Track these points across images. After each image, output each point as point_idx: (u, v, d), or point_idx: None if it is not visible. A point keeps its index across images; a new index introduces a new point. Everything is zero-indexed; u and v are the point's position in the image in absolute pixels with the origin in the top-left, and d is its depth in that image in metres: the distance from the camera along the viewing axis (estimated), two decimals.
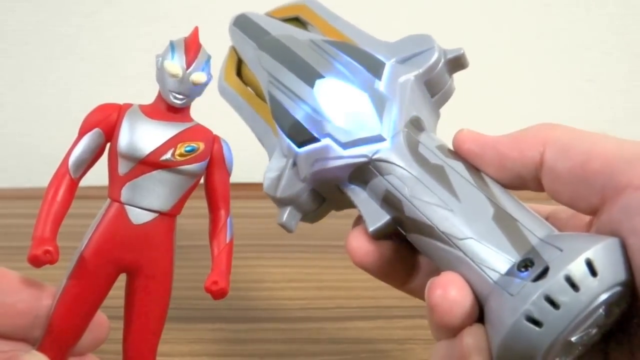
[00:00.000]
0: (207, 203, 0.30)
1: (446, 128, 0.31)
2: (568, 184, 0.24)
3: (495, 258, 0.24)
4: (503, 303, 0.23)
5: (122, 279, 0.29)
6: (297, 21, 0.35)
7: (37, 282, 0.28)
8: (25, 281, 0.28)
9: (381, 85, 0.29)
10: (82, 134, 0.28)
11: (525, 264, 0.23)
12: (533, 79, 0.67)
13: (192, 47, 0.28)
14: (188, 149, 0.28)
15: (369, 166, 0.28)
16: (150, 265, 0.29)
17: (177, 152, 0.28)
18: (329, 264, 0.48)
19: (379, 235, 0.28)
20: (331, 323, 0.41)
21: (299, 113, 0.30)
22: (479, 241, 0.25)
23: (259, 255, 0.49)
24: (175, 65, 0.28)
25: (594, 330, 0.23)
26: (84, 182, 0.29)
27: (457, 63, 0.30)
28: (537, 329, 0.22)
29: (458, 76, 0.32)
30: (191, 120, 0.29)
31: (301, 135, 0.29)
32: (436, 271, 0.26)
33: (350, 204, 0.29)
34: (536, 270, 0.23)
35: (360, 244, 0.28)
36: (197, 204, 0.30)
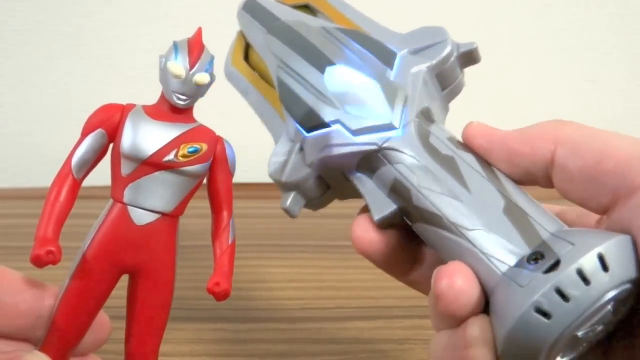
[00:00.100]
0: (210, 204, 0.30)
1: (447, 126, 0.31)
2: (579, 182, 0.24)
3: (505, 250, 0.24)
4: (511, 294, 0.23)
5: (124, 279, 0.29)
6: (306, 9, 0.35)
7: (39, 282, 0.28)
8: (27, 281, 0.28)
9: (393, 74, 0.29)
10: (85, 134, 0.28)
11: (535, 257, 0.23)
12: (533, 79, 0.67)
13: (195, 47, 0.28)
14: (191, 149, 0.28)
15: (378, 154, 0.28)
16: (153, 266, 0.29)
17: (180, 153, 0.28)
18: (329, 264, 0.48)
19: (384, 225, 0.28)
20: (331, 323, 0.41)
21: (309, 98, 0.29)
22: (488, 232, 0.24)
23: (259, 255, 0.49)
24: (178, 66, 0.27)
25: (600, 327, 0.23)
26: (87, 182, 0.29)
27: (469, 57, 0.30)
28: (545, 320, 0.22)
29: None
30: (194, 121, 0.29)
31: (310, 121, 0.29)
32: (439, 263, 0.26)
33: (354, 194, 0.29)
34: (547, 262, 0.22)
35: (365, 233, 0.28)
36: (198, 204, 0.30)
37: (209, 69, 0.28)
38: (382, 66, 0.29)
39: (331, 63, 0.30)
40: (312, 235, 0.52)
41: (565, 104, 0.69)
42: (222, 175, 0.30)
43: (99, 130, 0.28)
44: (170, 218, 0.29)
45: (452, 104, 0.32)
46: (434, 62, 0.29)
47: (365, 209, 0.29)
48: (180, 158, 0.28)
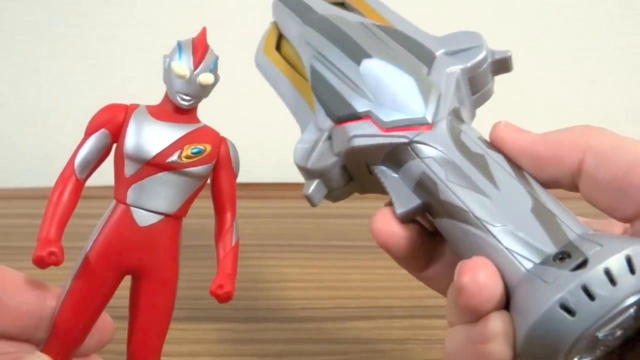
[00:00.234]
0: (214, 205, 0.30)
1: None
2: (606, 192, 0.24)
3: (530, 248, 0.24)
4: (536, 290, 0.23)
5: (127, 279, 0.29)
6: (342, 6, 0.35)
7: (41, 282, 0.28)
8: (29, 282, 0.28)
9: (428, 72, 0.29)
10: (88, 134, 0.28)
11: (561, 256, 0.23)
12: (533, 79, 0.67)
13: (199, 47, 0.28)
14: (195, 150, 0.28)
15: (407, 148, 0.28)
16: (156, 267, 0.29)
17: (184, 154, 0.28)
18: (329, 264, 0.48)
19: (406, 219, 0.28)
20: (331, 323, 0.41)
21: (342, 88, 0.30)
22: (515, 230, 0.24)
23: (260, 255, 0.49)
24: (182, 66, 0.27)
25: (620, 332, 0.23)
26: (89, 182, 0.29)
27: (502, 65, 0.31)
28: (570, 317, 0.22)
29: None
30: (198, 121, 0.29)
31: (342, 111, 0.29)
32: (457, 260, 0.26)
33: (376, 188, 0.29)
34: (574, 261, 0.22)
35: (385, 225, 0.28)
36: (199, 204, 0.30)
37: (213, 69, 0.28)
38: (418, 63, 0.30)
39: (368, 56, 0.30)
40: (312, 235, 0.53)
41: (565, 104, 0.69)
42: (225, 177, 0.29)
43: (102, 130, 0.28)
44: (174, 219, 0.29)
45: None
46: (468, 65, 0.30)
47: (388, 204, 0.29)
48: (184, 159, 0.28)
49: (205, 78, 0.28)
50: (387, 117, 0.28)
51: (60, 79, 0.66)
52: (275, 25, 0.36)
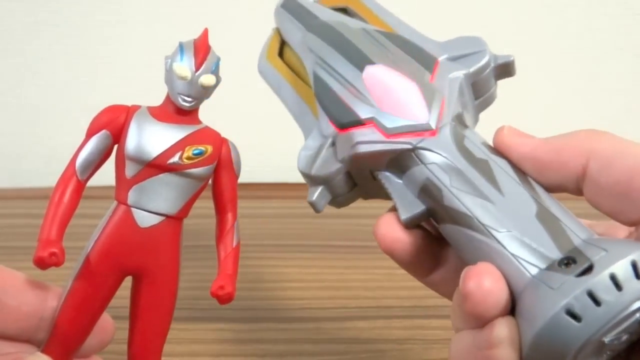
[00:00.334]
0: (215, 206, 0.30)
1: None
2: (610, 197, 0.24)
3: (535, 253, 0.24)
4: (542, 296, 0.23)
5: (128, 279, 0.29)
6: (344, 11, 0.35)
7: (42, 283, 0.28)
8: (30, 282, 0.28)
9: (431, 78, 0.29)
10: (89, 135, 0.28)
11: (567, 262, 0.23)
12: (533, 79, 0.67)
13: (201, 49, 0.28)
14: (196, 152, 0.28)
15: (411, 154, 0.28)
16: (156, 268, 0.29)
17: (185, 155, 0.28)
18: (329, 264, 0.48)
19: (411, 224, 0.28)
20: (331, 323, 0.41)
21: (346, 95, 0.30)
22: (519, 236, 0.24)
23: (260, 255, 0.49)
24: (184, 67, 0.27)
25: (625, 337, 0.23)
26: (90, 182, 0.29)
27: (505, 69, 0.31)
28: (575, 323, 0.22)
29: None
30: (199, 122, 0.29)
31: (345, 117, 0.29)
32: (462, 265, 0.26)
33: (380, 193, 0.29)
34: (579, 267, 0.22)
35: (390, 231, 0.28)
36: (200, 204, 0.30)
37: (215, 71, 0.28)
38: (421, 69, 0.30)
39: (371, 62, 0.30)
40: (312, 235, 0.53)
41: (566, 104, 0.69)
42: (227, 178, 0.30)
43: (103, 131, 0.28)
44: (175, 220, 0.29)
45: None
46: (471, 70, 0.30)
47: (392, 209, 0.29)
48: (185, 160, 0.28)
49: (207, 79, 0.28)
50: (391, 123, 0.28)
51: (60, 79, 0.66)
52: (277, 31, 0.36)
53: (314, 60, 0.32)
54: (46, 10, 0.64)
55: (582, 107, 0.69)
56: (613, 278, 0.22)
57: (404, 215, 0.28)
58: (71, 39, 0.65)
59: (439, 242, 0.29)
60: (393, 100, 0.29)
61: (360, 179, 0.30)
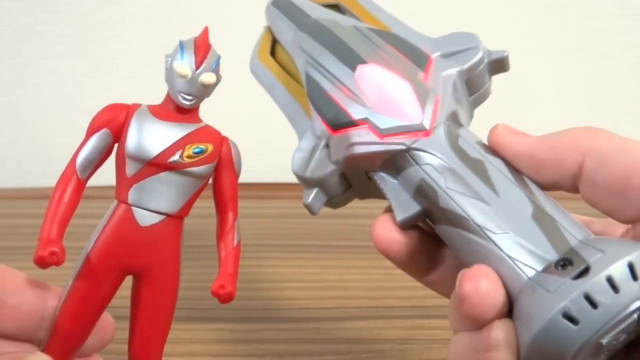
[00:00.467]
0: (215, 205, 0.30)
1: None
2: (607, 195, 0.24)
3: (532, 255, 0.24)
4: (538, 299, 0.22)
5: (128, 279, 0.29)
6: (336, 8, 0.35)
7: (42, 282, 0.28)
8: (30, 282, 0.28)
9: (424, 76, 0.29)
10: (89, 134, 0.28)
11: (563, 263, 0.23)
12: (533, 79, 0.67)
13: (201, 47, 0.28)
14: (196, 150, 0.28)
15: (405, 155, 0.27)
16: (157, 267, 0.29)
17: (186, 153, 0.28)
18: (329, 264, 0.48)
19: (406, 225, 0.28)
20: (331, 323, 0.41)
21: (338, 95, 0.29)
22: (515, 237, 0.24)
23: (260, 255, 0.49)
24: (184, 65, 0.27)
25: (623, 337, 0.23)
26: (90, 182, 0.29)
27: (499, 65, 0.30)
28: (572, 326, 0.22)
29: None
30: (200, 121, 0.29)
31: (338, 118, 0.29)
32: (460, 265, 0.26)
33: (376, 194, 0.29)
34: (576, 269, 0.22)
35: (386, 232, 0.28)
36: (201, 204, 0.30)
37: (215, 69, 0.28)
38: (414, 67, 0.29)
39: (363, 61, 0.30)
40: (312, 235, 0.53)
41: (565, 104, 0.69)
42: (227, 177, 0.29)
43: (104, 130, 0.28)
44: (175, 219, 0.29)
45: None
46: (465, 66, 0.29)
47: (388, 210, 0.29)
48: (186, 159, 0.28)
49: (207, 78, 0.28)
50: (384, 124, 0.28)
51: (60, 79, 0.66)
52: (269, 30, 0.36)
53: (306, 59, 0.31)
54: (46, 10, 0.64)
55: (582, 107, 0.69)
56: (610, 280, 0.22)
57: (400, 216, 0.28)
58: (71, 39, 0.65)
59: (435, 242, 0.29)
60: (386, 100, 0.29)
61: (355, 179, 0.30)
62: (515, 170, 0.27)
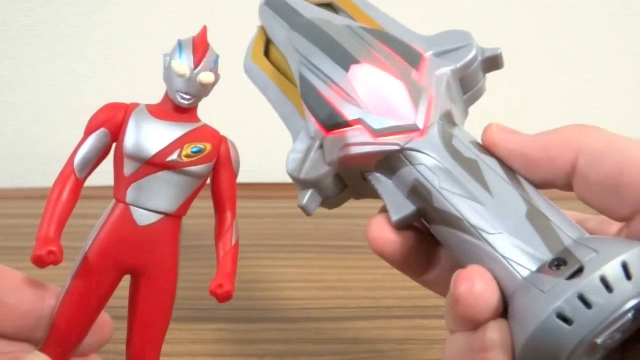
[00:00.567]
0: (213, 204, 0.30)
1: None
2: (600, 193, 0.24)
3: (526, 255, 0.24)
4: (533, 299, 0.22)
5: (126, 279, 0.29)
6: (329, 7, 0.35)
7: (40, 282, 0.28)
8: (28, 281, 0.28)
9: (417, 75, 0.29)
10: (87, 133, 0.28)
11: (557, 263, 0.23)
12: (533, 79, 0.67)
13: (200, 46, 0.28)
14: (194, 149, 0.28)
15: (399, 155, 0.27)
16: (155, 267, 0.29)
17: (184, 152, 0.28)
18: (329, 264, 0.48)
19: (401, 225, 0.28)
20: (331, 323, 0.41)
21: (331, 96, 0.29)
22: (509, 237, 0.24)
23: (260, 255, 0.49)
24: (182, 64, 0.27)
25: (619, 335, 0.23)
26: (89, 182, 0.29)
27: (492, 62, 0.30)
28: (567, 326, 0.22)
29: None
30: (198, 120, 0.29)
31: (331, 119, 0.29)
32: (456, 265, 0.26)
33: (371, 193, 0.29)
34: (570, 269, 0.22)
35: (381, 233, 0.28)
36: (199, 204, 0.30)
37: (214, 68, 0.28)
38: (407, 67, 0.29)
39: (356, 61, 0.30)
40: (312, 235, 0.52)
41: (566, 104, 0.69)
42: (225, 176, 0.29)
43: (102, 129, 0.28)
44: (173, 218, 0.29)
45: None
46: (458, 65, 0.29)
47: (383, 209, 0.29)
48: (184, 158, 0.28)
49: (206, 77, 0.28)
50: (378, 124, 0.28)
51: (60, 79, 0.66)
52: (262, 29, 0.36)
53: (299, 60, 0.31)
54: (46, 10, 0.64)
55: (582, 107, 0.69)
56: (603, 280, 0.22)
57: (395, 216, 0.28)
58: (71, 39, 0.65)
59: (431, 242, 0.29)
60: (379, 100, 0.28)
61: (350, 180, 0.30)
62: (509, 169, 0.27)
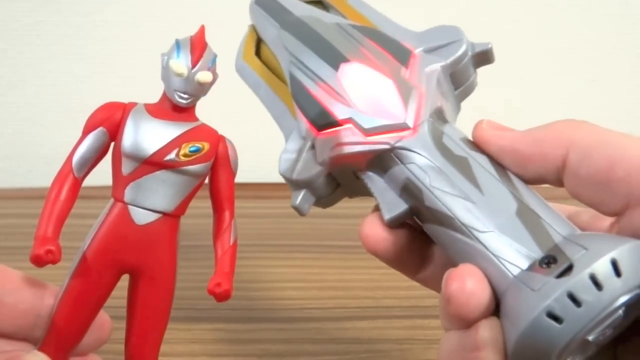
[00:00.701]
0: (212, 204, 0.30)
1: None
2: (591, 187, 0.24)
3: (517, 253, 0.24)
4: (523, 298, 0.23)
5: (125, 279, 0.29)
6: (320, 4, 0.35)
7: (39, 281, 0.28)
8: (27, 280, 0.28)
9: (407, 73, 0.29)
10: (86, 132, 0.28)
11: (547, 261, 0.23)
12: (533, 79, 0.67)
13: (198, 45, 0.28)
14: (192, 149, 0.28)
15: (390, 154, 0.27)
16: (153, 266, 0.29)
17: (182, 152, 0.28)
18: (329, 264, 0.48)
19: (394, 224, 0.28)
20: (331, 323, 0.41)
21: (321, 95, 0.29)
22: (500, 235, 0.24)
23: (259, 255, 0.49)
24: (180, 64, 0.27)
25: (610, 331, 0.23)
26: (87, 182, 0.29)
27: (483, 57, 0.30)
28: (557, 325, 0.22)
29: None
30: (196, 119, 0.29)
31: (322, 119, 0.29)
32: (450, 262, 0.26)
33: (365, 192, 0.29)
34: (560, 267, 0.22)
35: (374, 231, 0.28)
36: (198, 204, 0.30)
37: (212, 68, 0.28)
38: (396, 64, 0.29)
39: (345, 60, 0.30)
40: (312, 235, 0.52)
41: (565, 104, 0.69)
42: (224, 175, 0.29)
43: (100, 128, 0.28)
44: (171, 218, 0.29)
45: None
46: (448, 61, 0.29)
47: (377, 208, 0.29)
48: (182, 157, 0.28)
49: (203, 76, 0.28)
50: (368, 123, 0.28)
51: (60, 79, 0.66)
52: (253, 28, 0.36)
53: (289, 59, 0.31)
54: (46, 10, 0.64)
55: (582, 107, 0.69)
56: (593, 278, 0.22)
57: (387, 215, 0.28)
58: (71, 39, 0.65)
59: (425, 239, 0.28)
60: (369, 99, 0.28)
61: (343, 179, 0.30)
62: (500, 166, 0.27)
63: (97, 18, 0.65)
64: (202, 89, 0.28)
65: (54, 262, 0.26)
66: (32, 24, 0.64)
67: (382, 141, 0.27)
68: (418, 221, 0.28)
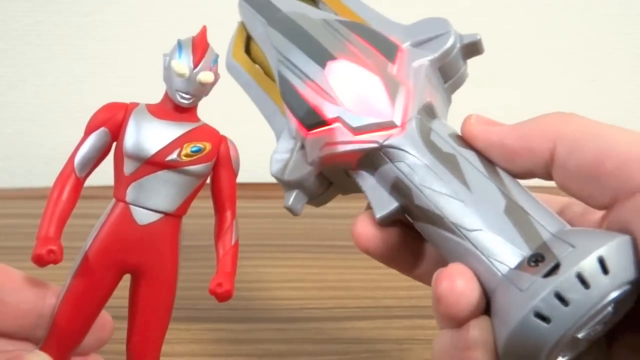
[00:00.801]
0: (213, 204, 0.30)
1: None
2: (579, 181, 0.24)
3: (505, 251, 0.24)
4: (511, 297, 0.23)
5: (126, 279, 0.29)
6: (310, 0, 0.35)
7: (41, 281, 0.28)
8: (29, 280, 0.28)
9: (394, 68, 0.29)
10: (88, 132, 0.28)
11: (535, 259, 0.23)
12: (533, 79, 0.67)
13: (199, 46, 0.28)
14: (194, 149, 0.28)
15: (379, 152, 0.27)
16: (155, 266, 0.29)
17: (183, 152, 0.28)
18: (329, 264, 0.48)
19: (385, 222, 0.28)
20: (331, 323, 0.41)
21: (309, 94, 0.29)
22: (489, 233, 0.24)
23: (259, 255, 0.49)
24: (182, 64, 0.27)
25: (600, 327, 0.23)
26: (89, 182, 0.29)
27: (472, 49, 0.30)
28: (545, 325, 0.22)
29: None
30: (198, 120, 0.29)
31: (311, 118, 0.29)
32: (443, 259, 0.26)
33: (357, 189, 0.29)
34: (547, 265, 0.22)
35: (366, 230, 0.28)
36: (199, 204, 0.30)
37: (213, 68, 0.28)
38: (384, 60, 0.29)
39: (332, 57, 0.30)
40: (312, 235, 0.52)
41: (566, 104, 0.69)
42: (225, 175, 0.29)
43: (102, 129, 0.28)
44: (173, 218, 0.29)
45: (454, 105, 0.32)
46: (436, 55, 0.29)
47: (369, 207, 0.29)
48: (183, 157, 0.28)
49: (205, 76, 0.28)
50: (356, 122, 0.28)
51: (60, 79, 0.66)
52: (242, 25, 0.35)
53: (277, 57, 0.31)
54: (46, 10, 0.64)
55: (582, 108, 0.69)
56: (580, 276, 0.22)
57: (378, 213, 0.28)
58: (71, 39, 0.65)
59: (417, 237, 0.28)
60: (357, 97, 0.28)
61: (334, 177, 0.30)
62: (488, 162, 0.26)
63: (97, 18, 0.65)
64: (203, 89, 0.28)
65: (55, 262, 0.26)
66: (32, 24, 0.64)
67: (370, 140, 0.27)
68: (409, 219, 0.28)
